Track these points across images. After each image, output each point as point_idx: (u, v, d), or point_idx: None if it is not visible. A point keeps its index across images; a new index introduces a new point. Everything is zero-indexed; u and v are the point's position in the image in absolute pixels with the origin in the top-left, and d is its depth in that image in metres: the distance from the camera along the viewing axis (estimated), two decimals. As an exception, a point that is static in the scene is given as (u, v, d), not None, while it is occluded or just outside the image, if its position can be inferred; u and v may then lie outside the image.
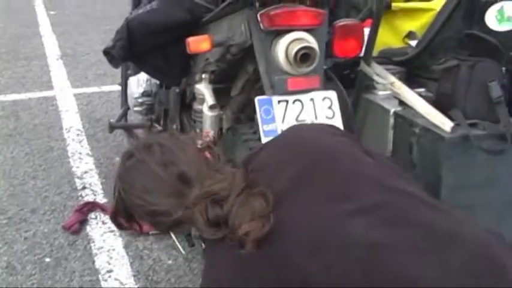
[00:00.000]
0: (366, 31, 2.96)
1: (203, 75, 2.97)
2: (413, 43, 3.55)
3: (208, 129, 2.90)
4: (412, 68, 3.23)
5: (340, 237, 1.59)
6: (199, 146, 1.98)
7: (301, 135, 1.93)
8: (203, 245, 2.96)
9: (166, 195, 1.83)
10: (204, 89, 2.95)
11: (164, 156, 1.88)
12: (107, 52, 3.24)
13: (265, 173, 1.80)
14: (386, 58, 3.32)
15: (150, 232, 3.68)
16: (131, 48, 3.18)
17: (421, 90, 3.05)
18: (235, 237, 1.67)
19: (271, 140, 2.01)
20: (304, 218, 1.66)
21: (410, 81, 3.12)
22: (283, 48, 2.53)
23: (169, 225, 1.88)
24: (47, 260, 3.50)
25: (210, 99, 2.90)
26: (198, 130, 3.05)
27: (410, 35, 3.77)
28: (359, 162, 1.84)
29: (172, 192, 1.83)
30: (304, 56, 2.51)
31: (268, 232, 1.65)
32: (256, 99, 2.57)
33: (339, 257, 1.57)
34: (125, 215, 2.02)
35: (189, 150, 1.93)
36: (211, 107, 2.89)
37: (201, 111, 2.97)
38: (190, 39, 2.73)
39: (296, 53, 2.50)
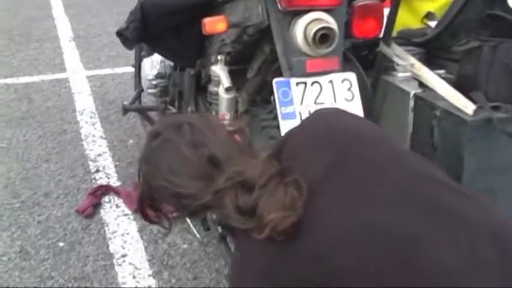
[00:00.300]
0: (385, 11, 2.90)
1: (219, 57, 2.91)
2: (432, 24, 3.50)
3: (224, 112, 2.85)
4: (432, 49, 3.17)
5: (374, 229, 1.53)
6: (230, 129, 1.92)
7: (333, 121, 1.87)
8: (219, 229, 2.94)
9: (194, 178, 1.76)
10: (219, 71, 2.89)
11: (194, 137, 1.80)
12: (120, 34, 3.20)
13: (297, 161, 1.73)
14: (405, 39, 3.26)
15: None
16: (145, 30, 3.13)
17: (441, 71, 2.99)
18: (261, 228, 1.61)
19: (301, 125, 1.94)
20: (337, 209, 1.60)
21: (430, 62, 3.07)
22: (302, 28, 2.47)
23: (195, 209, 1.82)
24: (61, 244, 3.48)
25: (225, 82, 2.85)
26: (213, 112, 2.99)
27: (429, 15, 3.73)
28: (391, 148, 1.79)
29: (200, 175, 1.76)
30: (323, 37, 2.45)
31: (300, 224, 1.58)
32: (274, 81, 2.52)
33: (372, 250, 1.51)
34: (151, 204, 1.96)
35: (220, 132, 1.86)
36: (227, 89, 2.84)
37: (217, 94, 2.91)
38: (206, 20, 2.67)
39: (315, 33, 2.44)
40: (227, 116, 2.83)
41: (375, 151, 1.74)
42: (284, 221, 1.57)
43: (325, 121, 1.87)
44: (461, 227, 1.52)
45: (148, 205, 1.99)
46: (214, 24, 2.66)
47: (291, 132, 1.94)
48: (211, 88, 3.02)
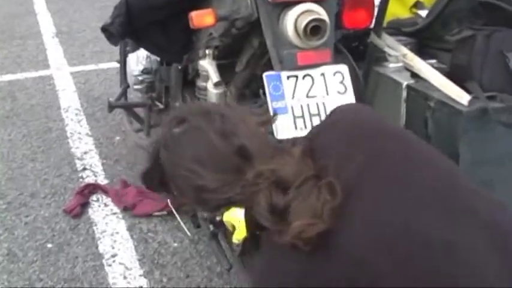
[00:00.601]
0: (375, 1, 2.86)
1: (207, 51, 2.86)
2: (421, 13, 3.47)
3: (214, 107, 2.80)
4: (423, 38, 3.13)
5: (413, 233, 1.47)
6: (259, 120, 1.84)
7: (359, 118, 1.78)
8: (211, 227, 2.89)
9: (221, 169, 1.64)
10: (208, 66, 2.84)
11: (225, 126, 1.67)
12: (105, 29, 3.14)
13: (330, 161, 1.62)
14: (396, 29, 3.22)
15: (154, 213, 3.61)
16: (130, 25, 3.07)
17: (433, 61, 2.97)
18: (286, 233, 1.51)
19: (326, 124, 1.83)
20: (373, 210, 1.52)
21: (421, 52, 3.03)
22: (292, 20, 2.42)
23: (217, 204, 1.73)
24: (49, 245, 3.42)
25: (214, 76, 2.80)
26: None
27: (417, 4, 3.69)
28: (419, 146, 1.73)
29: (228, 167, 1.64)
30: (314, 29, 2.40)
31: (334, 226, 1.50)
32: (265, 75, 2.46)
33: (413, 254, 1.45)
34: (157, 183, 1.85)
35: (250, 123, 1.75)
36: (216, 84, 2.79)
37: (206, 89, 2.87)
38: (194, 14, 2.61)
39: (306, 25, 2.38)
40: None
41: (405, 149, 1.68)
42: (310, 229, 1.48)
43: (350, 118, 1.79)
44: (495, 235, 1.48)
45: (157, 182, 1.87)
46: (201, 18, 2.60)
47: (316, 131, 1.84)
48: (200, 83, 2.97)
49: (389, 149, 1.64)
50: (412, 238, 1.45)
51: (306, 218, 1.49)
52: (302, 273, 1.55)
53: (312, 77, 2.49)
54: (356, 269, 1.46)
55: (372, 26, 2.91)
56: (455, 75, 2.72)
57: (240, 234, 2.42)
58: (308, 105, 2.48)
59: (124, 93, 4.39)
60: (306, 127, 2.45)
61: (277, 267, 1.63)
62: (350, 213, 1.51)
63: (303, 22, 2.39)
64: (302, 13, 2.41)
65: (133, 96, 4.46)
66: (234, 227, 2.47)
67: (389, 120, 1.86)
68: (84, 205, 3.78)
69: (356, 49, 3.06)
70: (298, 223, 1.48)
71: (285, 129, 2.44)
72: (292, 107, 2.45)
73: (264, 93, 2.50)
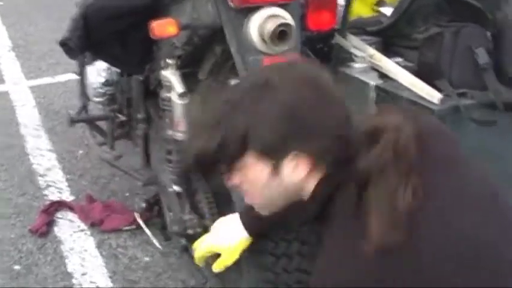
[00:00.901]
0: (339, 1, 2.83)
1: (169, 61, 2.78)
2: (384, 10, 3.44)
3: (180, 118, 2.72)
4: (388, 37, 3.10)
5: (473, 243, 1.46)
6: None
7: (426, 125, 1.74)
8: (183, 241, 2.83)
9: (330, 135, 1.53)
10: (171, 76, 2.76)
11: (336, 93, 1.58)
12: (63, 43, 3.04)
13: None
14: (360, 28, 3.18)
15: (123, 228, 3.54)
16: (89, 38, 2.98)
17: (399, 59, 2.94)
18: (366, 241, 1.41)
19: None
20: (446, 220, 1.47)
21: (387, 50, 3.01)
22: (257, 26, 2.36)
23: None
24: (16, 267, 3.33)
25: (178, 87, 2.72)
26: (166, 120, 2.86)
27: (379, 2, 3.66)
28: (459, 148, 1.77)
29: (334, 126, 1.54)
30: (280, 34, 2.33)
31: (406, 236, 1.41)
32: (231, 83, 2.40)
33: (476, 266, 1.44)
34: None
35: None
36: (180, 95, 2.71)
37: (170, 100, 2.79)
38: (155, 23, 2.53)
39: (273, 31, 2.32)
40: (183, 122, 2.71)
41: (455, 151, 1.74)
42: (391, 237, 1.39)
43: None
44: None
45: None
46: (163, 28, 2.52)
47: None
48: (163, 94, 2.89)
49: (447, 153, 1.69)
50: (480, 248, 1.46)
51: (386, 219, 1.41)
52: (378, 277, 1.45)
53: (279, 83, 2.44)
54: (428, 280, 1.42)
55: (337, 26, 2.86)
56: (423, 73, 2.71)
57: (228, 260, 2.28)
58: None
59: (84, 107, 4.30)
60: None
61: (342, 269, 1.50)
62: (426, 219, 1.46)
63: (269, 28, 2.33)
64: (267, 18, 2.35)
65: (93, 108, 4.37)
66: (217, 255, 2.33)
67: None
68: (50, 223, 3.70)
69: (321, 51, 3.02)
70: (377, 228, 1.40)
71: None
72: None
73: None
